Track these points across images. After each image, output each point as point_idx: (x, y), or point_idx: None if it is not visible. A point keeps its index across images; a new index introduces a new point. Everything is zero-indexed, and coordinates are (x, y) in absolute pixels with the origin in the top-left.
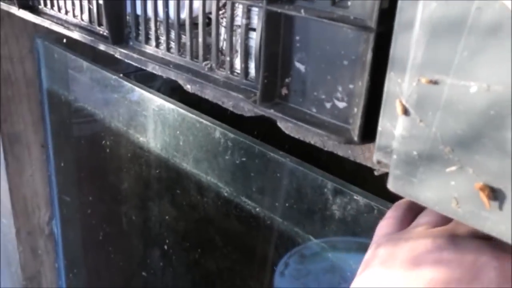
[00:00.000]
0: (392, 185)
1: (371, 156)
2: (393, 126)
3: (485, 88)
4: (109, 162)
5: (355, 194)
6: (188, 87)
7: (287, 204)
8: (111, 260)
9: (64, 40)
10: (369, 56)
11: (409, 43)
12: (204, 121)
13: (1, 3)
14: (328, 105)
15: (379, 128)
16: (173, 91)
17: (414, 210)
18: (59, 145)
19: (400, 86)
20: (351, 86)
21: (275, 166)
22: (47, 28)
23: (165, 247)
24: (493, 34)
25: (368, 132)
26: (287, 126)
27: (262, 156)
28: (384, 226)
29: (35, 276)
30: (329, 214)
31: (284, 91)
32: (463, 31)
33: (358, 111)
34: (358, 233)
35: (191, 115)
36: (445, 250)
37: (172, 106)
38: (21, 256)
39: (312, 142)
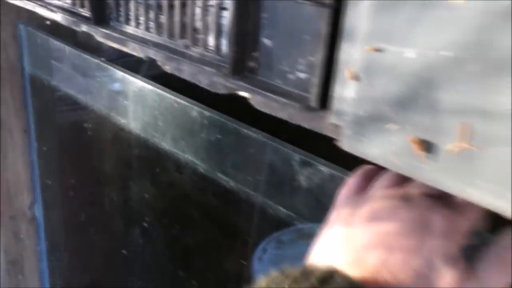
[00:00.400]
0: (345, 145)
1: (334, 129)
2: (345, 91)
3: (419, 53)
4: (91, 145)
5: (320, 165)
6: (167, 68)
7: (258, 178)
8: (92, 241)
9: (48, 22)
10: (325, 30)
11: (358, 16)
12: (182, 101)
13: None
14: (291, 76)
15: (334, 94)
16: (155, 79)
17: (371, 177)
18: (41, 130)
19: (350, 55)
20: (311, 58)
21: (248, 141)
22: (29, 14)
23: (145, 224)
24: (426, 6)
25: (326, 99)
26: (257, 102)
27: (236, 132)
28: (345, 191)
29: (17, 260)
30: (297, 184)
31: (252, 64)
32: (403, 4)
33: (316, 80)
34: (323, 201)
35: (170, 96)
36: (398, 207)
37: (151, 87)
38: (3, 240)
39: (280, 116)
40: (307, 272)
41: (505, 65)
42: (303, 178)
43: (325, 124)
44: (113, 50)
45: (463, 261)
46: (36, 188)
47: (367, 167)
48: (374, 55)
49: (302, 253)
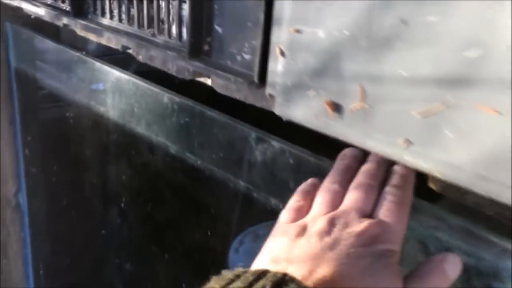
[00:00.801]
0: (278, 111)
1: (271, 99)
2: (276, 66)
3: (327, 33)
4: (73, 133)
5: (272, 140)
6: (140, 57)
7: (221, 155)
8: (73, 225)
9: (32, 17)
10: (262, 17)
11: (283, 5)
12: (154, 88)
13: None
14: (239, 57)
15: (269, 69)
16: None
17: (311, 196)
18: (26, 121)
19: (279, 36)
20: (253, 42)
21: (211, 122)
22: (14, 12)
23: (122, 205)
24: None
25: (265, 75)
26: (217, 85)
27: (201, 115)
28: (285, 215)
29: (2, 244)
30: (254, 159)
31: (206, 48)
32: None
33: (257, 59)
34: (276, 173)
35: (144, 84)
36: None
37: (127, 77)
38: None
39: (237, 98)
40: (260, 275)
41: (386, 40)
42: (258, 153)
43: (265, 97)
44: (97, 49)
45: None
46: (21, 176)
47: (304, 186)
48: (295, 35)
49: None
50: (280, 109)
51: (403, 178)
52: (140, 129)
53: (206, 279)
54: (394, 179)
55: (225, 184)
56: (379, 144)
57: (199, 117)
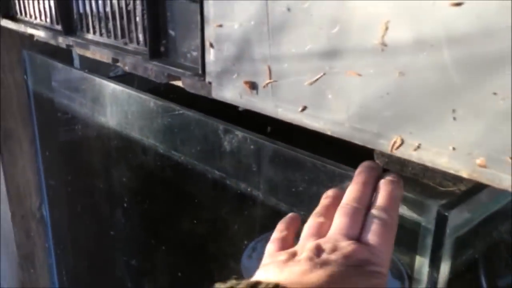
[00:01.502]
0: (214, 94)
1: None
2: (209, 57)
3: (240, 25)
4: (84, 146)
5: (236, 130)
6: (126, 68)
7: (198, 148)
8: (91, 231)
9: (35, 39)
10: (199, 18)
11: (209, 6)
12: (142, 95)
13: None
14: (189, 55)
15: (206, 60)
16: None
17: (294, 227)
18: (45, 139)
19: (208, 32)
20: (197, 40)
21: (189, 121)
22: (31, 42)
23: (125, 205)
24: None
25: (205, 66)
26: (187, 85)
27: (181, 115)
28: (272, 246)
29: (28, 255)
30: (223, 149)
31: (163, 49)
32: None
33: (200, 54)
34: (241, 158)
35: (134, 93)
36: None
37: (121, 88)
38: (16, 237)
39: (202, 94)
40: (253, 286)
41: (279, 26)
42: (226, 143)
43: (206, 85)
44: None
45: None
46: (43, 190)
47: (286, 218)
48: (219, 29)
49: None
50: (216, 93)
51: (389, 198)
52: (135, 133)
53: None
54: (380, 200)
55: (203, 175)
56: (286, 112)
57: (179, 118)
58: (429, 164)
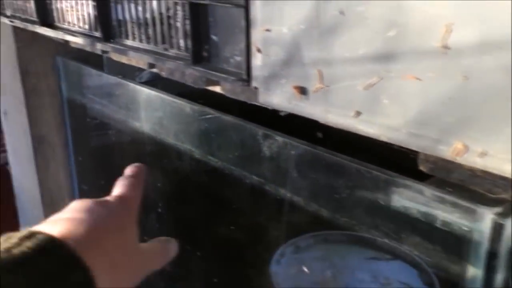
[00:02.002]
0: (261, 100)
1: (255, 91)
2: (256, 62)
3: (289, 29)
4: (117, 151)
5: (276, 135)
6: (163, 73)
7: (236, 154)
8: None
9: (69, 43)
10: (243, 23)
11: (255, 11)
12: (177, 100)
13: (27, 24)
14: (232, 60)
15: (252, 65)
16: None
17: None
18: (78, 144)
19: (255, 36)
20: (241, 45)
21: (226, 126)
22: (65, 48)
23: (159, 210)
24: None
25: (250, 71)
26: (226, 89)
27: (217, 120)
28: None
29: None
30: (262, 154)
31: (205, 54)
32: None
33: (244, 59)
34: (281, 163)
35: (170, 98)
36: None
37: (156, 93)
38: None
39: (242, 99)
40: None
41: (331, 29)
42: (265, 148)
43: (251, 90)
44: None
45: None
46: (75, 194)
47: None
48: (266, 33)
49: (317, 257)
50: (263, 98)
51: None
52: (170, 138)
53: None
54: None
55: (241, 180)
56: (337, 118)
57: (215, 122)
58: (494, 171)
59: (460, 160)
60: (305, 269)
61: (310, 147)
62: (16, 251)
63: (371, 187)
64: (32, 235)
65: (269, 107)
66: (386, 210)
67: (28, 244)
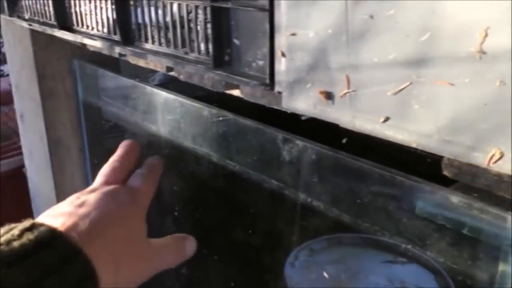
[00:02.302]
0: (284, 105)
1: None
2: (280, 66)
3: (316, 33)
4: None
5: (296, 139)
6: (181, 77)
7: (255, 158)
8: None
9: (89, 47)
10: (267, 26)
11: (280, 14)
12: (195, 104)
13: (46, 27)
14: (254, 64)
15: (275, 70)
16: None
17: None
18: (93, 147)
19: (279, 41)
20: (264, 49)
21: (245, 129)
22: (81, 52)
23: (176, 214)
24: (313, 2)
25: (273, 76)
26: (245, 93)
27: (235, 123)
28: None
29: None
30: (282, 158)
31: (227, 58)
32: (301, 3)
33: (267, 63)
34: (300, 167)
35: (187, 101)
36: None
37: (173, 96)
38: None
39: (262, 103)
40: (12, 227)
41: (360, 34)
42: (285, 152)
43: (274, 95)
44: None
45: None
46: None
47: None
48: (291, 38)
49: (331, 259)
50: (286, 103)
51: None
52: (187, 142)
53: None
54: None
55: (259, 184)
56: (365, 123)
57: (233, 126)
58: None
59: (494, 167)
60: (320, 272)
61: (332, 151)
62: (16, 243)
63: (394, 193)
64: (33, 226)
65: (293, 112)
66: (409, 216)
67: (29, 236)
